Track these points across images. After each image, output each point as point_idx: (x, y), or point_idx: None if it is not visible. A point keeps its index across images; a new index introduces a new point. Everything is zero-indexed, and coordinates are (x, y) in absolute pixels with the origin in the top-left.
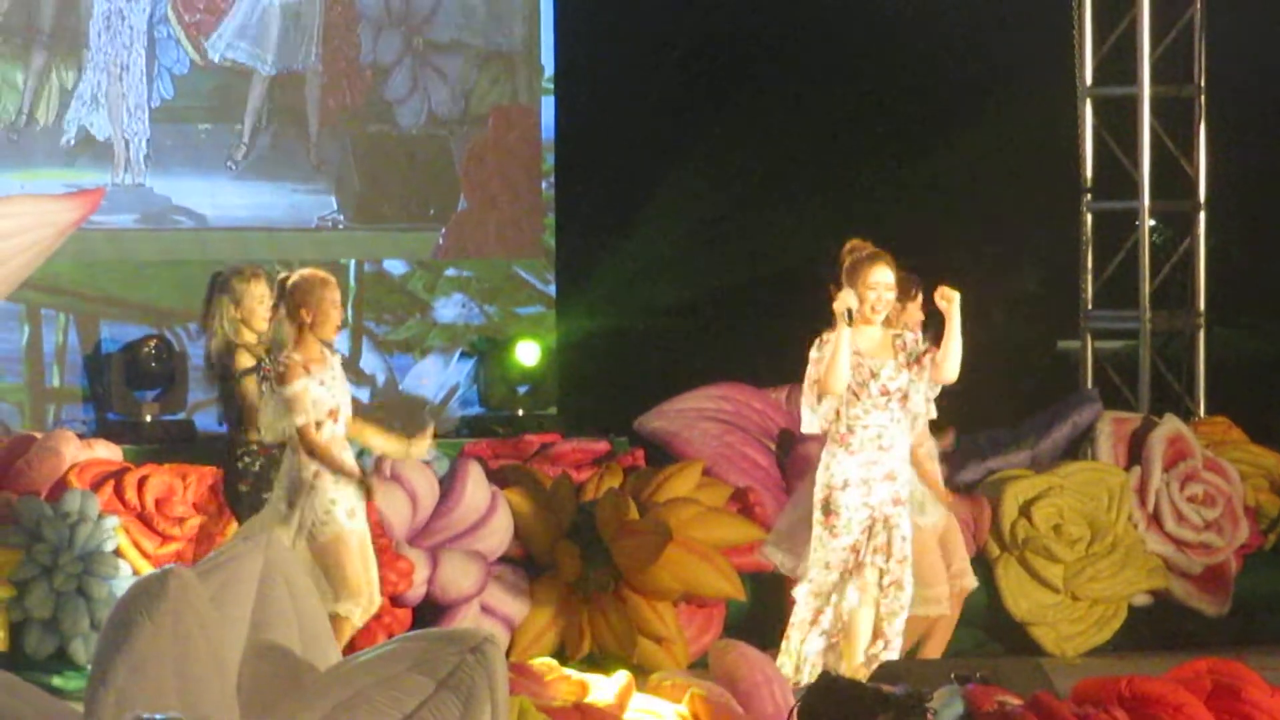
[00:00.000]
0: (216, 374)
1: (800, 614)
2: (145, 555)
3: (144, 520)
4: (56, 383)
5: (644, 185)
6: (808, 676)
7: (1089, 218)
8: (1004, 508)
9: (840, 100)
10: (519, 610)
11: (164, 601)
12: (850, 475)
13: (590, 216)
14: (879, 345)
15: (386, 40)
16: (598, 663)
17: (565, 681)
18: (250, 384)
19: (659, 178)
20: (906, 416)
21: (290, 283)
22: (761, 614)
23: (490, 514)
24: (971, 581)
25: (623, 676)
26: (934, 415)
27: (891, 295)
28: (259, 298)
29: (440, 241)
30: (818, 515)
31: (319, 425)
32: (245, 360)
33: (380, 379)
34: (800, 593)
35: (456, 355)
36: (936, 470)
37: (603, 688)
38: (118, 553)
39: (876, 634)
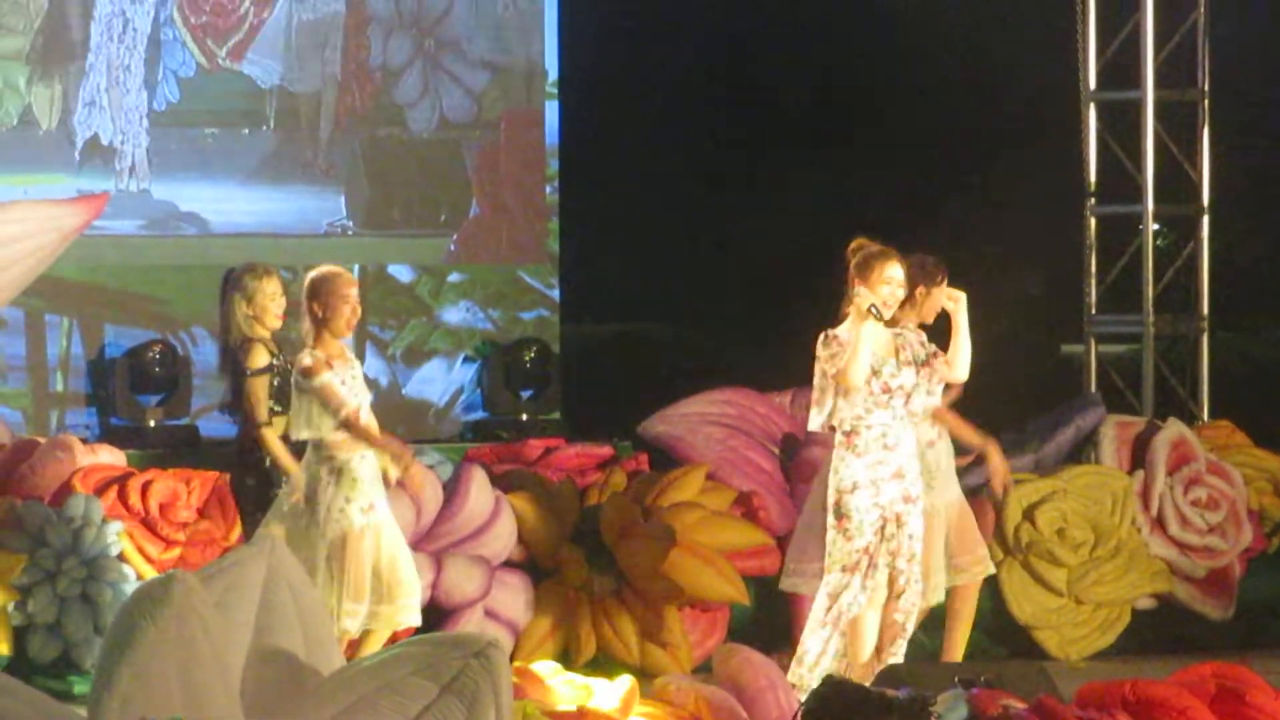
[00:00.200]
0: (228, 370)
1: (817, 615)
2: (149, 560)
3: (148, 525)
4: (60, 388)
5: (648, 190)
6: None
7: (1093, 222)
8: (1008, 511)
9: (843, 104)
10: (523, 615)
11: (168, 606)
12: (859, 477)
13: (594, 221)
14: (884, 343)
15: (397, 43)
16: (602, 667)
17: (569, 686)
18: (261, 381)
19: (662, 183)
20: (910, 415)
21: (307, 278)
22: (765, 618)
23: (494, 519)
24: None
25: (627, 681)
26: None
27: (902, 292)
28: (271, 295)
29: (452, 248)
30: (830, 519)
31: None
32: (257, 357)
33: (384, 383)
34: (818, 595)
35: (460, 359)
36: (959, 419)
37: (607, 692)
38: (121, 558)
39: (887, 636)
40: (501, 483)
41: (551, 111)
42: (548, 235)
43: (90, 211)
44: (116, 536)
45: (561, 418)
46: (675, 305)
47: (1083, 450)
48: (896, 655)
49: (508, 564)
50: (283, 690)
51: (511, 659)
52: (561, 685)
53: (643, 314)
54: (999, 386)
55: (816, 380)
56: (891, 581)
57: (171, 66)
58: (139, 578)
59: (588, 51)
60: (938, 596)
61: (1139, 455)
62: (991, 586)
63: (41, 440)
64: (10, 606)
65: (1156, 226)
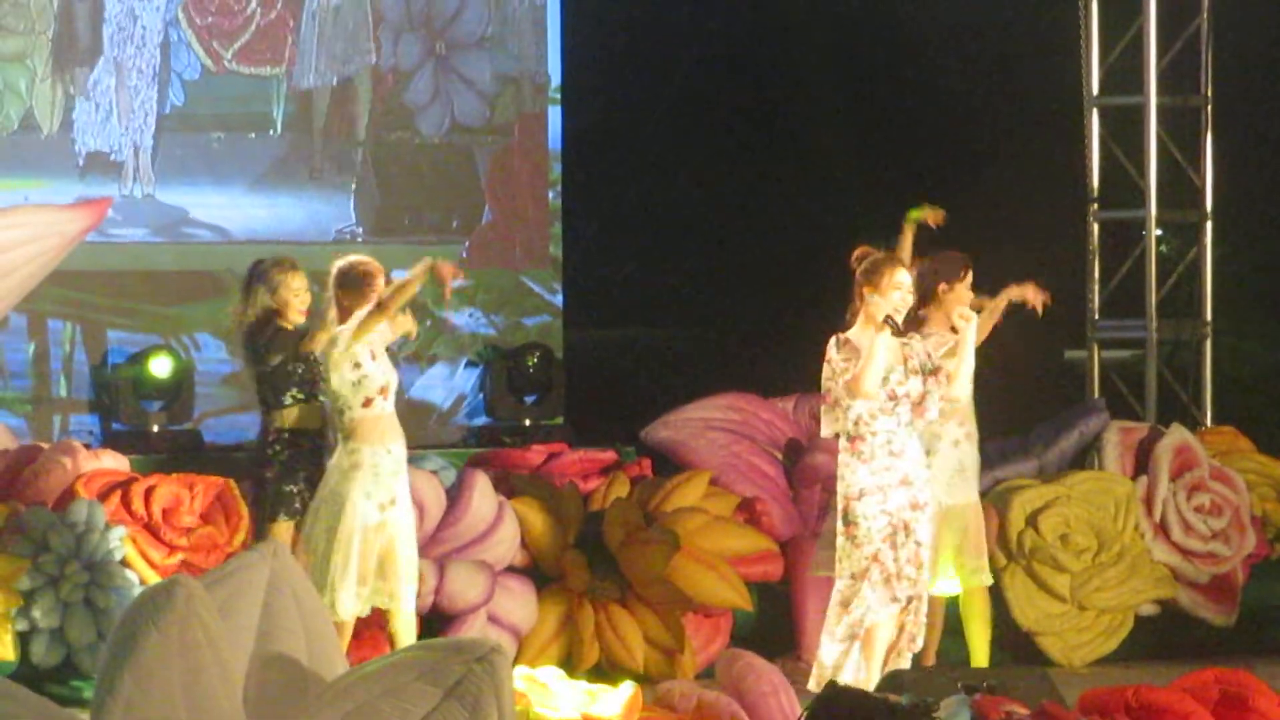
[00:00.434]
0: (249, 360)
1: (830, 624)
2: (152, 565)
3: (151, 530)
4: (63, 393)
5: (650, 195)
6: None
7: (1096, 227)
8: (1011, 517)
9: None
10: (526, 620)
11: (171, 612)
12: (865, 484)
13: (597, 226)
14: (891, 350)
15: (407, 44)
16: (605, 673)
17: (572, 691)
18: (282, 373)
19: (666, 187)
20: (918, 424)
21: (334, 268)
22: (768, 624)
23: (497, 524)
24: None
25: (629, 687)
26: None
27: (911, 297)
28: (295, 289)
29: (464, 255)
30: (839, 526)
31: (369, 402)
32: (278, 349)
33: None
34: (830, 603)
35: (463, 364)
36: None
37: (609, 698)
38: (125, 563)
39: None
40: (504, 488)
41: (554, 116)
42: (550, 240)
43: (93, 217)
44: (120, 542)
45: (565, 423)
46: (678, 310)
47: (1086, 456)
48: (904, 662)
49: (511, 569)
50: (286, 695)
51: (514, 664)
52: (564, 691)
53: (646, 319)
54: (1002, 392)
55: (827, 384)
56: (902, 589)
57: (177, 69)
58: (142, 583)
59: (590, 56)
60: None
61: (1142, 461)
62: (994, 592)
63: (45, 445)
64: (13, 612)
65: (1159, 232)
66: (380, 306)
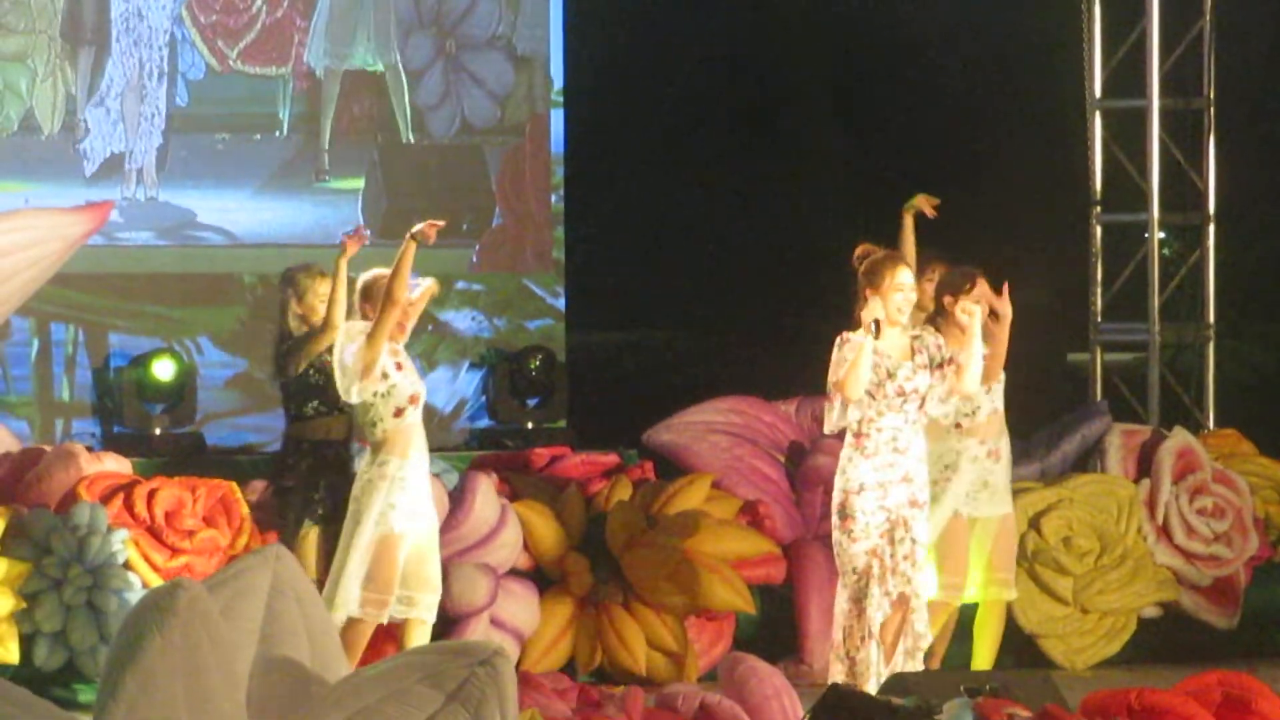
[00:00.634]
0: (273, 370)
1: (838, 620)
2: (155, 568)
3: (153, 533)
4: (66, 396)
5: (653, 198)
6: (872, 681)
7: (1098, 230)
8: None
9: (848, 113)
10: (529, 623)
11: (173, 615)
12: (866, 479)
13: (599, 229)
14: (898, 346)
15: (416, 43)
16: (608, 676)
17: (575, 695)
18: (303, 383)
19: (668, 190)
20: (923, 419)
21: (360, 281)
22: (771, 627)
23: (500, 527)
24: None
25: (632, 690)
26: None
27: (914, 296)
28: (322, 296)
29: (474, 259)
30: (835, 520)
31: (401, 412)
32: (304, 357)
33: None
34: (837, 600)
35: (465, 368)
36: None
37: (612, 701)
38: (127, 566)
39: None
40: (507, 491)
41: (556, 119)
42: (553, 243)
43: (95, 220)
44: (122, 544)
45: (567, 426)
46: (681, 313)
47: (1088, 459)
48: (916, 664)
49: (514, 572)
50: (288, 699)
51: (517, 667)
52: (567, 694)
53: (648, 322)
54: (1005, 394)
55: (830, 384)
56: (895, 584)
57: (181, 69)
58: (144, 586)
59: (593, 58)
60: (965, 599)
61: (1145, 464)
62: None
63: (47, 448)
64: (16, 615)
65: (1162, 235)
66: (389, 296)
